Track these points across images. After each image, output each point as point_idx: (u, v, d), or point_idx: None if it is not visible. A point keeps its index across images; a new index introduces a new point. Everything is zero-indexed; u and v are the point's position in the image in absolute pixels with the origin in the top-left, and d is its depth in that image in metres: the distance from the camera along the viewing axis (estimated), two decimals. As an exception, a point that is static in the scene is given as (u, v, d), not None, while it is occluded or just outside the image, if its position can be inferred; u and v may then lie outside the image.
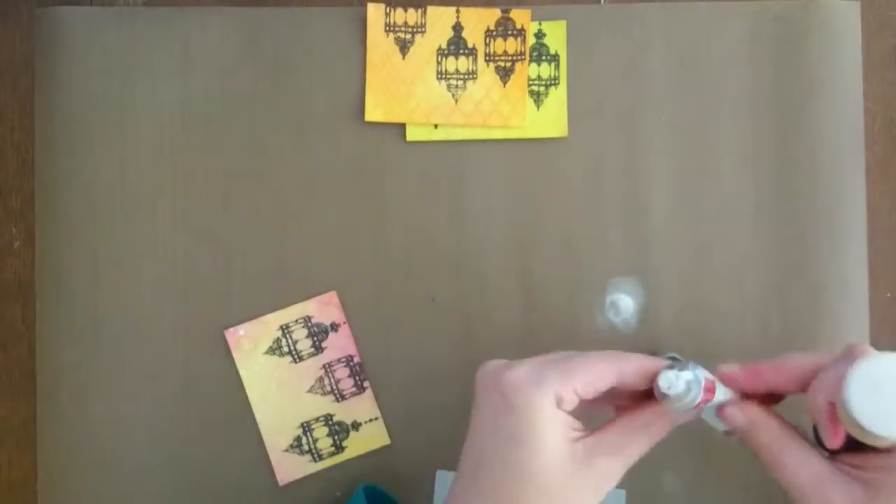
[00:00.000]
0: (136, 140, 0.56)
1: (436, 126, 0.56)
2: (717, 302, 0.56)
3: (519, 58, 0.56)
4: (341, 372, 0.56)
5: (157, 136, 0.56)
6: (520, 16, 0.56)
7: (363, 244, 0.56)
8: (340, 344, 0.56)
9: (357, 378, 0.56)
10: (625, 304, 0.56)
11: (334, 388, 0.56)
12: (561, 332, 0.56)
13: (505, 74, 0.56)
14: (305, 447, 0.55)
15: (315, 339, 0.56)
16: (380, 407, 0.56)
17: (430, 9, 0.56)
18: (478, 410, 0.42)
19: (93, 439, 0.55)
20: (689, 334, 0.56)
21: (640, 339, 0.56)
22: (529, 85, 0.56)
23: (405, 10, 0.56)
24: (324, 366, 0.56)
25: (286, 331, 0.56)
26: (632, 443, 0.42)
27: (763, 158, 0.56)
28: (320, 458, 0.55)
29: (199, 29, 0.56)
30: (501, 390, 0.41)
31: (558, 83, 0.56)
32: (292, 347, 0.56)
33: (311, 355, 0.56)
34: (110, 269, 0.56)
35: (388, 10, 0.56)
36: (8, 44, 0.57)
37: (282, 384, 0.56)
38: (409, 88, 0.56)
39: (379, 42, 0.56)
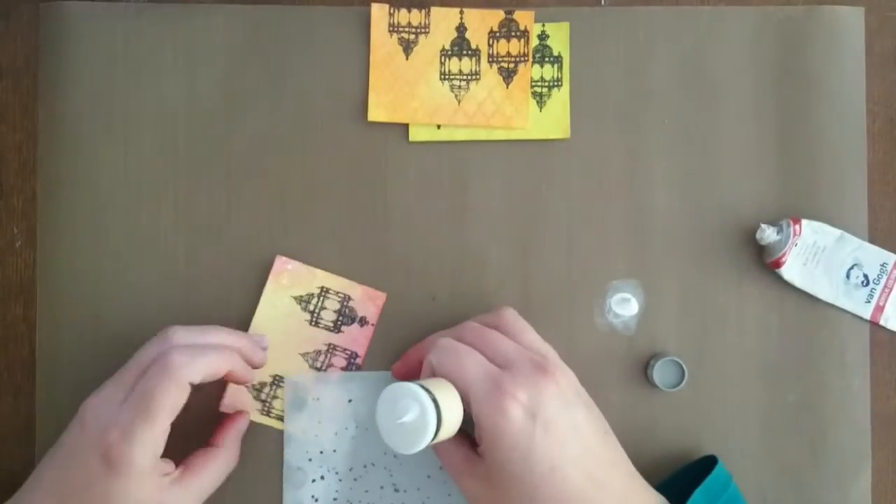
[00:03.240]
0: (138, 137, 0.56)
1: (438, 126, 0.56)
2: (717, 304, 0.56)
3: (522, 59, 0.56)
4: (338, 361, 0.56)
5: (160, 134, 0.56)
6: (523, 17, 0.56)
7: (364, 243, 0.56)
8: (356, 338, 0.56)
9: None
10: (625, 305, 0.56)
11: (322, 369, 0.56)
12: (561, 332, 0.56)
13: (508, 75, 0.56)
14: (263, 396, 0.55)
15: (341, 318, 0.56)
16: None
17: (433, 9, 0.56)
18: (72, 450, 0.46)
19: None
20: (688, 336, 0.56)
21: (640, 341, 0.56)
22: (532, 86, 0.56)
23: (409, 11, 0.56)
24: (329, 345, 0.56)
25: (324, 293, 0.56)
26: (214, 463, 0.50)
27: (764, 162, 0.56)
28: (268, 414, 0.55)
29: (203, 26, 0.56)
30: (103, 453, 0.44)
31: (561, 85, 0.56)
32: (317, 311, 0.56)
33: (327, 329, 0.56)
34: (112, 267, 0.55)
35: (391, 11, 0.56)
36: (9, 44, 0.56)
37: (286, 332, 0.56)
38: (412, 89, 0.56)
39: (382, 42, 0.56)
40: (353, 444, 0.55)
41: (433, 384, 0.45)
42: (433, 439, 0.44)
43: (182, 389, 0.45)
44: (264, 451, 0.55)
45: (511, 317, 0.50)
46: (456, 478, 0.48)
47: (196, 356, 0.46)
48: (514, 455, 0.43)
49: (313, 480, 0.55)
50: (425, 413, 0.43)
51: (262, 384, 0.55)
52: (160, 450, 0.45)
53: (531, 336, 0.49)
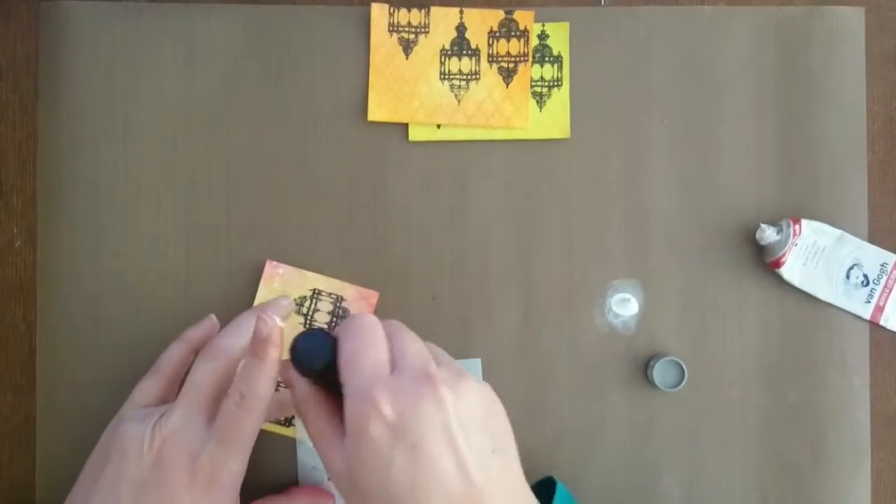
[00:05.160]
0: (139, 136, 0.56)
1: (438, 126, 0.56)
2: (717, 304, 0.56)
3: (522, 59, 0.56)
4: None
5: (160, 133, 0.56)
6: (523, 17, 0.56)
7: (364, 243, 0.56)
8: None
9: None
10: (625, 305, 0.56)
11: None
12: (561, 332, 0.56)
13: (508, 75, 0.56)
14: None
15: (334, 319, 0.56)
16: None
17: (433, 9, 0.56)
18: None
19: (93, 438, 0.54)
20: (688, 336, 0.56)
21: (640, 341, 0.56)
22: (532, 86, 0.56)
23: (409, 11, 0.56)
24: None
25: (316, 295, 0.56)
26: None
27: (764, 162, 0.56)
28: (269, 421, 0.55)
29: (204, 26, 0.56)
30: (193, 476, 0.44)
31: (561, 84, 0.56)
32: (310, 313, 0.56)
33: None
34: (112, 267, 0.55)
35: (391, 10, 0.56)
36: (9, 43, 0.56)
37: None
38: (412, 88, 0.56)
39: (382, 42, 0.56)
40: None
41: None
42: None
43: (264, 410, 0.45)
44: (279, 451, 0.55)
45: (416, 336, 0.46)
46: (318, 445, 0.44)
47: (264, 368, 0.45)
48: (371, 465, 0.40)
49: (328, 479, 0.55)
50: None
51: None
52: (243, 476, 0.46)
53: (439, 351, 0.45)
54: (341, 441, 0.42)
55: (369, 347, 0.43)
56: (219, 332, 0.52)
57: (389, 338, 0.44)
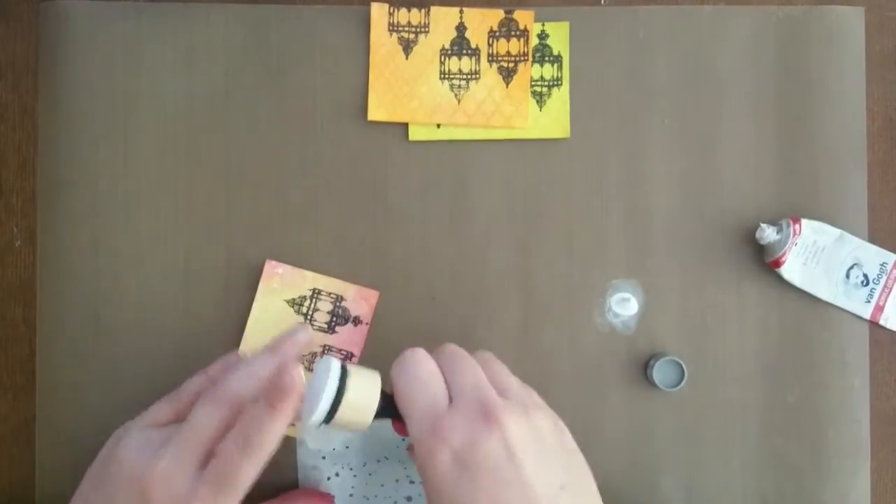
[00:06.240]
0: (138, 136, 0.56)
1: (438, 126, 0.56)
2: (717, 304, 0.56)
3: (522, 58, 0.56)
4: None
5: (160, 133, 0.56)
6: (523, 17, 0.56)
7: (364, 242, 0.56)
8: (351, 338, 0.56)
9: None
10: (625, 305, 0.56)
11: None
12: (561, 332, 0.56)
13: (508, 75, 0.56)
14: None
15: (334, 319, 0.56)
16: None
17: (433, 9, 0.56)
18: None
19: (93, 438, 0.54)
20: (688, 336, 0.56)
21: (640, 341, 0.56)
22: (532, 85, 0.56)
23: (409, 10, 0.56)
24: (324, 346, 0.56)
25: (316, 295, 0.56)
26: None
27: (764, 162, 0.56)
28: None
29: (204, 25, 0.56)
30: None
31: (561, 84, 0.56)
32: (310, 312, 0.56)
33: (321, 330, 0.56)
34: (112, 267, 0.55)
35: (391, 10, 0.56)
36: (9, 44, 0.56)
37: None
38: (411, 88, 0.56)
39: (382, 41, 0.56)
40: (365, 440, 0.55)
41: (360, 370, 0.44)
42: (329, 415, 0.43)
43: (265, 461, 0.44)
44: (279, 451, 0.55)
45: (485, 357, 0.47)
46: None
47: (277, 419, 0.44)
48: (438, 499, 0.40)
49: (328, 478, 0.55)
50: (327, 385, 0.42)
51: None
52: None
53: (507, 378, 0.46)
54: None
55: (422, 387, 0.43)
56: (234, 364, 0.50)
57: (443, 370, 0.44)
